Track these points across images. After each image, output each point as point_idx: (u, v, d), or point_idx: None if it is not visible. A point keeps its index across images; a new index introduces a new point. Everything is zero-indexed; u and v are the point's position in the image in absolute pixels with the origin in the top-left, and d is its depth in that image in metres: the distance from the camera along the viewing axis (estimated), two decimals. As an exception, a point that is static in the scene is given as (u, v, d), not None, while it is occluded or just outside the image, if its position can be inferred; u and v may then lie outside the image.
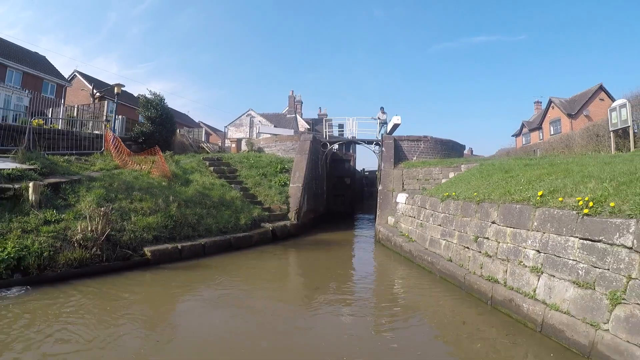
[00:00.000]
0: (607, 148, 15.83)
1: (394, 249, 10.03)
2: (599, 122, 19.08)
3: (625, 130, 13.80)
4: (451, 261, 6.98)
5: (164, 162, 11.32)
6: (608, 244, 3.91)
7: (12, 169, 8.78)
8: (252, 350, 4.28)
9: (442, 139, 16.50)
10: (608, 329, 3.74)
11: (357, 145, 22.07)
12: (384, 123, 18.01)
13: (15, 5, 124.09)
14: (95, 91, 24.68)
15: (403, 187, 13.31)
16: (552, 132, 37.23)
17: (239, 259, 8.80)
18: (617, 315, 3.68)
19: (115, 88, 16.85)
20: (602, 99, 35.14)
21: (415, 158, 15.32)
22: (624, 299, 3.65)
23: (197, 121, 50.60)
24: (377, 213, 13.23)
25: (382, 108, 18.02)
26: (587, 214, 4.19)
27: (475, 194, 6.75)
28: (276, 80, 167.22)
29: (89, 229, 7.12)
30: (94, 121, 18.22)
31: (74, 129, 16.69)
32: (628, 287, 3.63)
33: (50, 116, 19.49)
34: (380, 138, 16.48)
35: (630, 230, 3.70)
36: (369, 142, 17.34)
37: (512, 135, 46.42)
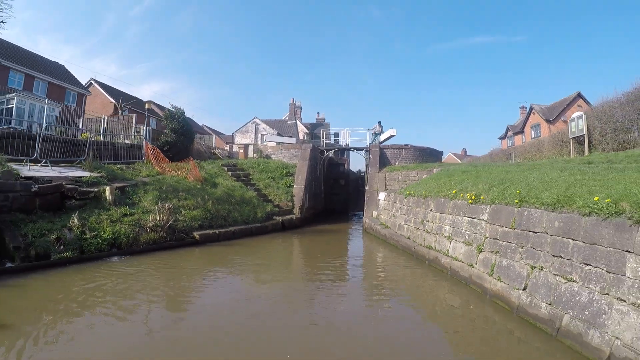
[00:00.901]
0: (568, 153, 18.86)
1: (375, 234, 13.13)
2: (563, 130, 22.17)
3: (582, 138, 16.76)
4: (409, 239, 10.08)
5: (196, 169, 14.38)
6: (478, 219, 6.99)
7: (89, 177, 11.82)
8: (266, 290, 7.35)
9: (420, 146, 19.59)
10: (477, 267, 6.80)
11: (350, 151, 25.14)
12: (378, 134, 21.15)
13: (14, 5, 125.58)
14: (123, 105, 27.63)
15: (386, 187, 16.36)
16: (532, 136, 40.24)
17: (259, 241, 11.88)
18: (480, 258, 6.75)
19: (146, 104, 19.93)
20: (579, 106, 38.16)
21: (397, 163, 18.38)
22: (482, 249, 6.72)
23: (200, 125, 53.55)
24: (365, 208, 16.31)
25: (379, 122, 21.38)
26: (470, 203, 7.27)
27: (424, 192, 9.84)
28: (274, 80, 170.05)
29: (157, 219, 10.18)
30: (125, 132, 21.21)
31: (109, 140, 19.64)
32: (485, 242, 6.70)
33: (96, 131, 22.28)
34: (368, 146, 19.58)
35: (487, 212, 6.77)
36: (360, 149, 20.46)
37: (498, 138, 49.60)
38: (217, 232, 11.30)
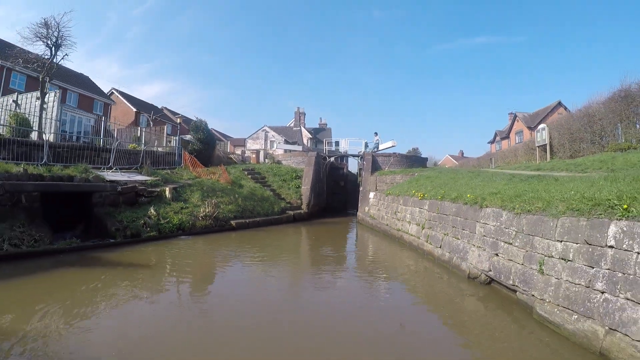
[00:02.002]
0: (535, 159, 22.68)
1: (365, 224, 17.09)
2: (533, 139, 25.95)
3: (546, 146, 20.43)
4: (387, 225, 14.06)
5: (225, 173, 18.38)
6: (423, 209, 10.96)
7: (151, 180, 15.80)
8: (279, 259, 11.33)
9: (407, 154, 23.57)
10: (421, 239, 10.74)
11: (348, 157, 29.17)
12: (376, 144, 25.13)
13: (16, 6, 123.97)
14: (154, 117, 31.57)
15: (376, 188, 20.26)
16: (517, 141, 43.94)
17: (276, 229, 15.86)
18: (422, 233, 10.71)
19: (178, 119, 23.93)
20: (560, 113, 41.85)
21: (386, 168, 22.28)
22: (424, 227, 10.67)
23: (209, 129, 57.51)
24: (359, 205, 20.27)
25: (376, 133, 25.48)
26: (420, 199, 11.23)
27: (398, 192, 13.80)
28: (275, 82, 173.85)
29: (207, 211, 14.16)
30: (159, 142, 25.22)
31: (146, 149, 23.59)
32: (425, 223, 10.66)
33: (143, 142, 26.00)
34: (363, 154, 23.57)
35: (427, 204, 10.74)
36: (356, 156, 24.44)
37: (488, 142, 53.46)
38: (247, 221, 15.30)
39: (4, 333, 4.59)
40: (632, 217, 4.31)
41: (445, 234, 9.21)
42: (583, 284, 4.76)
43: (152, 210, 13.28)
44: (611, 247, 4.47)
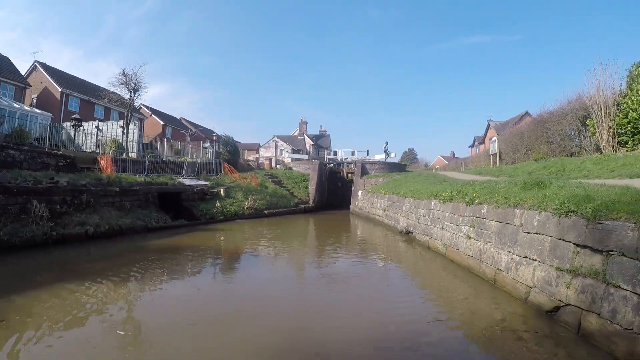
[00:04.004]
0: (490, 163, 30.29)
1: (355, 214, 24.84)
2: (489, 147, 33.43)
3: (496, 153, 27.96)
4: (368, 212, 21.78)
5: (255, 178, 26.06)
6: (384, 200, 18.69)
7: (209, 184, 23.50)
8: (292, 238, 19.10)
9: (388, 162, 31.22)
10: (383, 217, 18.44)
11: (344, 164, 36.96)
12: (386, 151, 32.96)
13: (15, 8, 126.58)
14: (190, 133, 39.11)
15: (364, 188, 27.91)
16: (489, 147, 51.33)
17: (294, 217, 23.55)
18: (384, 214, 18.44)
19: (214, 137, 31.57)
20: (527, 122, 49.03)
21: (373, 173, 29.92)
22: (385, 210, 18.39)
23: (235, 142, 65.20)
24: (351, 201, 27.98)
25: (387, 142, 33.41)
26: (384, 194, 18.94)
27: (374, 190, 21.47)
28: (274, 82, 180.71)
29: (249, 204, 21.84)
30: (197, 154, 32.84)
31: (192, 160, 31.21)
32: (385, 207, 18.38)
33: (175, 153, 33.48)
34: (354, 162, 31.31)
35: (386, 197, 18.47)
36: (349, 163, 32.13)
37: (468, 147, 61.03)
38: (274, 211, 23.03)
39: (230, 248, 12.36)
40: (434, 198, 11.95)
41: (393, 213, 16.93)
42: (425, 223, 12.46)
43: (218, 204, 20.97)
44: (432, 209, 12.14)
